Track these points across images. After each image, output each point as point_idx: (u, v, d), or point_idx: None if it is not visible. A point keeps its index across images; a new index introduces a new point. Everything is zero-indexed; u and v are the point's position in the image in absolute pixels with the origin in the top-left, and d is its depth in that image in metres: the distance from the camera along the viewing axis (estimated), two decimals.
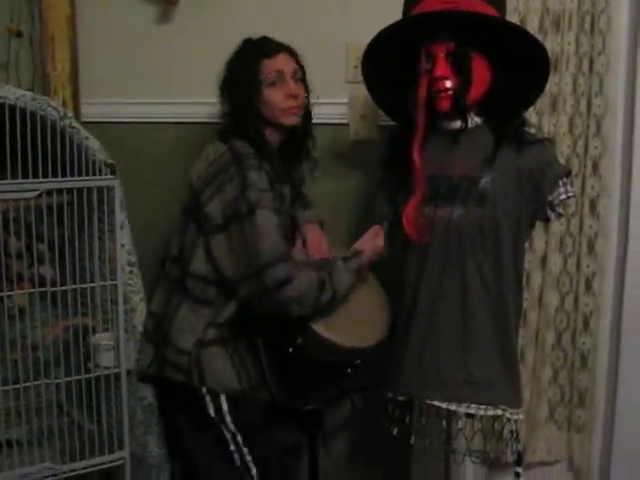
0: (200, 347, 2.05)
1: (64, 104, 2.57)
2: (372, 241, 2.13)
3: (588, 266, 2.40)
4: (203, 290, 2.06)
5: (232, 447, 2.08)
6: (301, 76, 2.13)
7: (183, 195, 2.12)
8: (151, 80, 2.72)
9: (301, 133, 2.18)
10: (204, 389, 2.05)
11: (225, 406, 2.05)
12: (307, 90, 2.15)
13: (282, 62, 2.08)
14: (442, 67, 1.90)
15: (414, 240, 1.98)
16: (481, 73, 1.93)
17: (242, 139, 2.04)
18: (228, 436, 2.07)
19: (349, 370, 2.11)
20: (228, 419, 2.06)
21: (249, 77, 2.06)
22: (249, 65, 2.07)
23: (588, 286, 2.41)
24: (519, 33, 1.90)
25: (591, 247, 2.39)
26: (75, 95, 2.65)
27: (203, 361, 2.05)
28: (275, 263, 1.91)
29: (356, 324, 2.11)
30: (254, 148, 2.03)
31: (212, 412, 2.06)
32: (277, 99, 2.06)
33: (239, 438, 2.07)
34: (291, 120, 2.10)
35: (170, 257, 2.14)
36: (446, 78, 1.90)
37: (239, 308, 2.04)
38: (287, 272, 1.92)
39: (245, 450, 2.08)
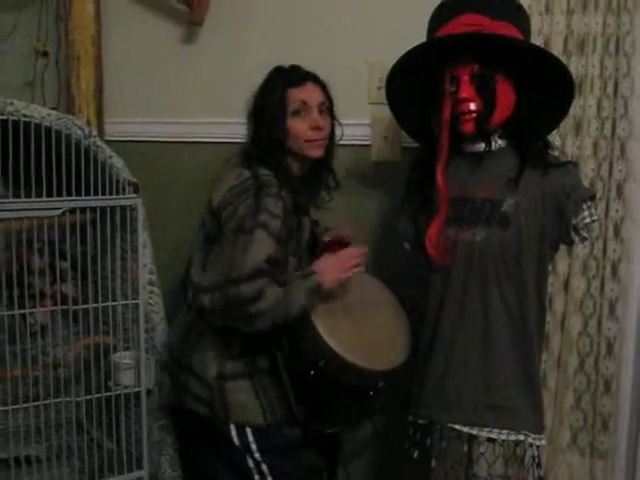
0: (222, 380, 2.02)
1: (88, 123, 2.60)
2: (335, 274, 2.03)
3: (612, 290, 2.37)
4: None
5: (257, 477, 2.04)
6: (328, 108, 2.11)
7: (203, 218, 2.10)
8: (174, 99, 2.74)
9: (323, 165, 2.16)
10: (231, 422, 2.02)
11: (251, 436, 2.02)
12: (333, 122, 2.13)
13: (308, 92, 2.07)
14: (466, 89, 1.90)
15: (436, 262, 1.97)
16: (505, 95, 1.92)
17: (265, 166, 2.02)
18: (252, 465, 2.03)
19: (371, 393, 2.09)
20: (254, 447, 2.02)
21: (275, 105, 2.04)
22: (275, 93, 2.05)
23: (612, 310, 2.38)
24: (543, 55, 1.90)
25: (615, 271, 2.36)
26: (99, 114, 2.68)
27: (227, 395, 2.01)
28: (257, 276, 1.86)
29: (378, 346, 2.09)
30: (277, 177, 2.01)
31: (237, 441, 2.02)
32: (301, 129, 2.05)
33: (264, 467, 2.03)
34: (315, 152, 2.09)
35: (190, 282, 2.07)
36: (470, 100, 1.90)
37: (249, 339, 2.00)
38: (263, 286, 1.87)
39: (269, 478, 2.04)
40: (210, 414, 2.03)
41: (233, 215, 1.94)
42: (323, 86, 2.11)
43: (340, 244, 2.22)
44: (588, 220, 1.93)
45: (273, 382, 2.05)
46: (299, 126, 2.05)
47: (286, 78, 2.07)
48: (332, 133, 2.14)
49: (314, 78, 2.09)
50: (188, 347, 2.07)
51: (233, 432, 2.02)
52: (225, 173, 2.07)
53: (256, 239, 1.89)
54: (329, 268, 2.01)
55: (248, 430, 2.02)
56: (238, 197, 1.96)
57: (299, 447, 2.15)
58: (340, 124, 2.15)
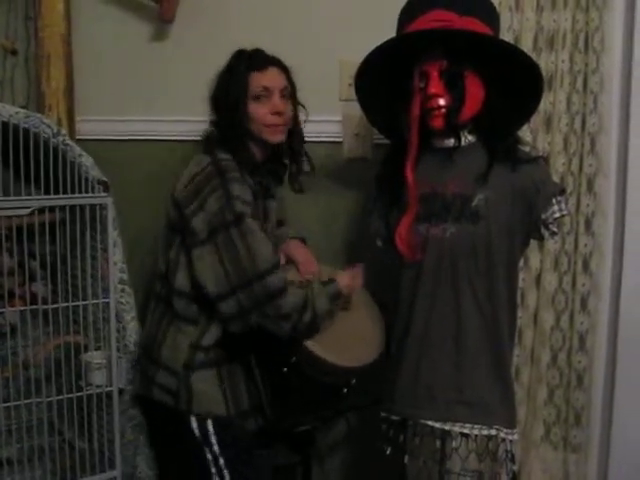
0: (189, 370, 2.02)
1: (59, 121, 2.58)
2: (350, 279, 2.11)
3: (583, 284, 2.38)
4: (187, 308, 2.03)
5: (213, 470, 2.04)
6: (290, 93, 2.12)
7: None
8: (146, 97, 2.73)
9: (287, 151, 2.16)
10: (192, 414, 2.02)
11: (211, 428, 2.02)
12: (296, 108, 2.14)
13: (271, 77, 2.07)
14: (435, 85, 1.90)
15: (407, 258, 1.97)
16: (474, 91, 1.93)
17: (225, 151, 2.02)
18: (210, 458, 2.03)
19: (345, 390, 2.09)
20: (213, 440, 2.02)
21: (236, 89, 2.04)
22: (237, 77, 2.05)
23: (583, 304, 2.39)
24: (512, 51, 1.90)
25: (586, 265, 2.37)
26: (70, 112, 2.65)
27: (192, 384, 2.01)
28: (272, 271, 1.89)
29: (351, 343, 2.10)
30: (237, 161, 2.01)
31: (197, 433, 2.02)
32: (261, 114, 2.05)
33: (221, 461, 2.03)
34: (275, 137, 2.09)
35: (158, 275, 2.11)
36: (439, 96, 1.90)
37: (225, 330, 2.01)
38: (283, 282, 1.90)
39: (226, 472, 2.04)
40: (174, 404, 2.02)
41: (202, 208, 1.93)
42: (286, 70, 2.11)
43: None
44: (557, 215, 1.94)
45: (241, 372, 2.05)
46: (259, 111, 2.05)
47: (248, 62, 2.07)
48: (296, 117, 2.14)
49: (277, 62, 2.10)
50: (157, 339, 2.08)
51: (194, 424, 2.02)
52: (185, 167, 2.07)
53: (250, 232, 1.90)
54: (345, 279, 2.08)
55: (209, 422, 2.02)
56: (203, 187, 1.96)
57: (262, 444, 2.15)
58: (304, 107, 2.16)
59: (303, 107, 2.17)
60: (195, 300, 2.01)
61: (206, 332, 2.02)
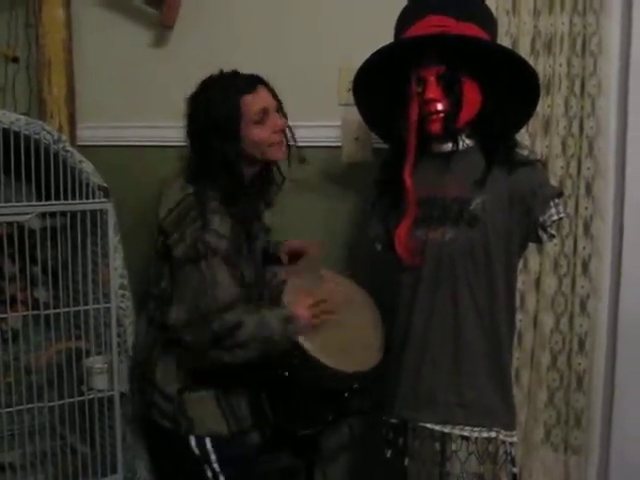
0: (183, 394, 2.01)
1: (60, 128, 2.59)
2: (303, 309, 2.03)
3: (583, 287, 2.39)
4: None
5: None
6: (280, 107, 2.08)
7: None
8: (147, 104, 2.74)
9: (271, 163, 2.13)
10: (190, 435, 2.01)
11: (210, 446, 2.01)
12: (286, 119, 2.10)
13: (264, 97, 2.01)
14: (433, 90, 1.91)
15: (406, 262, 1.98)
16: (472, 95, 1.94)
17: (211, 180, 1.96)
18: (210, 475, 2.02)
19: (346, 394, 2.10)
20: (213, 458, 2.01)
21: (230, 115, 1.96)
22: (228, 102, 1.96)
23: (583, 307, 2.40)
24: (509, 56, 1.91)
25: (585, 268, 2.38)
26: (71, 119, 2.67)
27: (188, 408, 2.01)
28: (229, 308, 1.87)
29: (353, 348, 2.10)
30: (223, 190, 1.96)
31: (197, 451, 2.01)
32: (265, 136, 2.00)
33: (222, 478, 2.02)
34: (279, 154, 2.06)
35: (153, 296, 2.07)
36: (437, 101, 1.91)
37: (196, 362, 1.99)
38: (238, 317, 1.88)
39: None
40: (173, 428, 2.02)
41: (182, 239, 1.92)
42: (270, 87, 2.06)
43: (293, 256, 2.26)
44: (555, 217, 1.94)
45: (238, 388, 2.05)
46: (262, 133, 2.00)
47: (236, 85, 1.99)
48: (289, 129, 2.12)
49: (262, 80, 2.04)
50: (151, 361, 2.06)
51: (193, 442, 2.01)
52: (168, 187, 2.05)
53: (214, 269, 1.88)
54: (300, 302, 2.02)
55: (207, 440, 2.01)
56: (184, 216, 1.93)
57: (262, 458, 2.14)
58: (286, 117, 2.10)
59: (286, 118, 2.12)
60: None
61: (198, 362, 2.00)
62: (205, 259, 1.88)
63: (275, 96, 2.06)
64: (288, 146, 2.10)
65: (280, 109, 2.08)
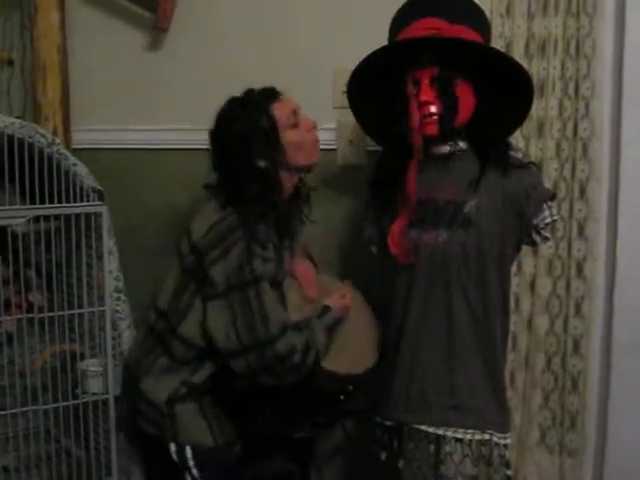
0: (172, 404, 1.99)
1: (55, 131, 2.58)
2: (340, 300, 2.09)
3: (577, 289, 2.40)
4: (186, 352, 1.99)
5: None
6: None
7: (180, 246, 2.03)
8: (141, 106, 2.74)
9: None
10: (170, 441, 2.00)
11: (189, 454, 2.00)
12: None
13: (289, 101, 2.01)
14: (427, 92, 1.91)
15: (400, 260, 1.98)
16: (466, 98, 1.94)
17: (252, 202, 1.93)
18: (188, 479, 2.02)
19: (341, 397, 2.10)
20: (191, 464, 2.00)
21: (265, 126, 1.93)
22: (261, 115, 1.94)
23: (577, 309, 2.41)
24: (502, 58, 1.91)
25: (580, 270, 2.39)
26: (66, 122, 2.66)
27: (176, 418, 1.99)
28: (281, 336, 1.87)
29: (348, 350, 2.10)
30: (264, 211, 1.94)
31: (175, 458, 2.01)
32: (303, 137, 1.99)
33: None
34: (316, 156, 2.05)
35: (157, 309, 2.05)
36: (431, 103, 1.91)
37: (216, 370, 1.99)
38: (291, 345, 1.88)
39: None
40: (157, 434, 2.01)
41: (224, 260, 1.88)
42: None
43: None
44: (549, 220, 1.95)
45: (225, 401, 2.04)
46: (299, 134, 1.99)
47: (260, 98, 1.98)
48: None
49: (275, 89, 2.02)
50: (141, 369, 2.05)
51: (172, 448, 2.00)
52: (202, 205, 2.01)
53: (265, 295, 1.88)
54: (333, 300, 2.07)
55: (187, 448, 2.00)
56: (225, 236, 1.90)
57: (246, 467, 2.14)
58: None
59: None
60: (198, 347, 1.98)
61: (198, 371, 2.00)
62: (254, 286, 1.87)
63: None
64: None
65: None
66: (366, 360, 2.11)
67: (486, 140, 1.99)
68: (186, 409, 2.00)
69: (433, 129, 1.93)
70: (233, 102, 1.99)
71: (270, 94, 1.99)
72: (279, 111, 1.97)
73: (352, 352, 2.11)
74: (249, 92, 2.00)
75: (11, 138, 2.01)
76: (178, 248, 2.02)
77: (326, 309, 2.03)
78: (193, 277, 1.96)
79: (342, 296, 2.10)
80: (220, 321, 1.90)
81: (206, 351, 1.97)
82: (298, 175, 2.06)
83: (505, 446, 1.99)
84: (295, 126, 1.99)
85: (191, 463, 2.00)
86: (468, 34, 1.92)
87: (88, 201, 2.11)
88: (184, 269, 1.99)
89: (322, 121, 2.44)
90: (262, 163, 1.94)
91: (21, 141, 2.02)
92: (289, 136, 1.97)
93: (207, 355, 1.98)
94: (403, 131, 1.97)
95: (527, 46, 2.34)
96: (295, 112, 2.00)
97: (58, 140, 2.16)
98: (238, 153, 1.95)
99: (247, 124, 1.94)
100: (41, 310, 2.14)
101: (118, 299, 2.20)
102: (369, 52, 1.94)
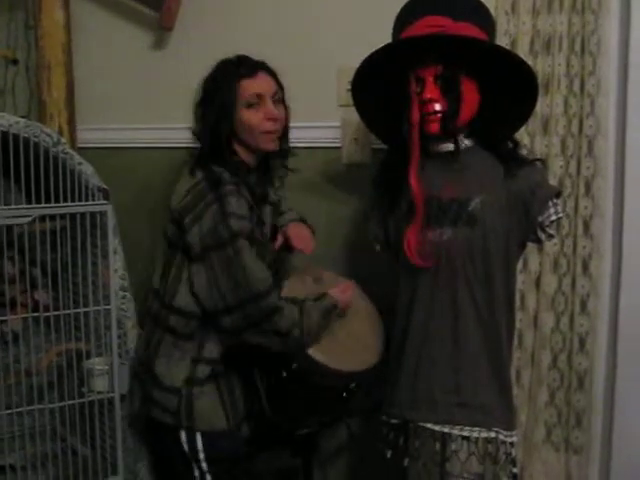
0: (191, 385, 2.00)
1: (60, 130, 2.59)
2: (341, 292, 2.10)
3: (583, 286, 2.39)
4: (186, 325, 2.01)
5: None
6: (281, 97, 2.08)
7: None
8: (146, 105, 2.74)
9: (276, 155, 2.14)
10: (182, 428, 2.01)
11: (200, 444, 2.01)
12: (287, 111, 2.10)
13: (261, 83, 2.03)
14: (431, 90, 1.91)
15: (418, 266, 1.97)
16: (470, 95, 1.93)
17: (217, 163, 1.99)
18: (197, 474, 2.03)
19: (344, 394, 2.10)
20: (201, 457, 2.02)
21: (226, 97, 1.99)
22: (227, 85, 2.00)
23: (583, 306, 2.40)
24: (506, 55, 1.91)
25: (585, 267, 2.38)
26: (71, 121, 2.67)
27: (194, 402, 2.00)
28: (267, 293, 1.90)
29: (351, 348, 2.10)
30: (231, 171, 1.98)
31: (186, 448, 2.02)
32: (256, 121, 2.01)
33: (208, 477, 2.03)
34: (270, 145, 2.06)
35: (152, 290, 2.08)
36: (435, 101, 1.91)
37: (229, 341, 2.01)
38: (276, 302, 1.91)
39: None
40: (174, 423, 2.02)
41: (199, 222, 1.92)
42: (274, 74, 2.07)
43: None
44: (554, 217, 1.94)
45: (237, 380, 2.06)
46: (253, 118, 2.01)
47: (236, 69, 2.02)
48: (286, 120, 2.11)
49: (265, 67, 2.06)
50: (150, 355, 2.06)
51: (183, 438, 2.01)
52: (177, 182, 2.05)
53: (244, 253, 1.90)
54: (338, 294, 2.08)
55: (198, 438, 2.01)
56: (198, 201, 1.93)
57: (259, 457, 2.17)
58: (288, 108, 2.11)
59: (289, 109, 2.13)
60: (194, 317, 2.00)
61: (205, 345, 2.02)
62: (231, 244, 1.89)
63: (279, 85, 2.07)
64: (281, 141, 2.10)
65: (282, 100, 2.08)
66: (370, 358, 2.11)
67: (490, 137, 1.98)
68: (205, 391, 2.01)
69: (436, 127, 1.93)
70: (218, 65, 2.06)
71: (249, 68, 2.03)
72: (244, 88, 2.00)
73: (356, 350, 2.11)
74: (236, 59, 2.06)
75: (16, 137, 2.01)
76: (164, 229, 2.06)
77: (324, 295, 2.05)
78: (177, 247, 2.00)
79: (343, 290, 2.11)
80: (203, 282, 1.93)
81: (204, 319, 1.99)
82: (255, 153, 2.08)
83: (511, 444, 1.98)
84: (251, 107, 2.01)
85: (201, 456, 2.01)
86: (472, 31, 1.91)
87: (93, 200, 2.12)
88: (169, 242, 2.03)
89: (327, 119, 2.47)
90: (215, 128, 2.00)
91: (26, 140, 2.03)
92: (241, 114, 2.01)
93: (209, 323, 1.99)
94: (403, 130, 1.97)
95: (532, 43, 2.33)
96: (260, 95, 2.01)
97: (63, 139, 2.17)
98: (199, 114, 2.05)
99: (215, 89, 2.02)
100: (47, 309, 2.14)
101: (124, 297, 2.21)
102: (373, 50, 1.94)
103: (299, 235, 2.20)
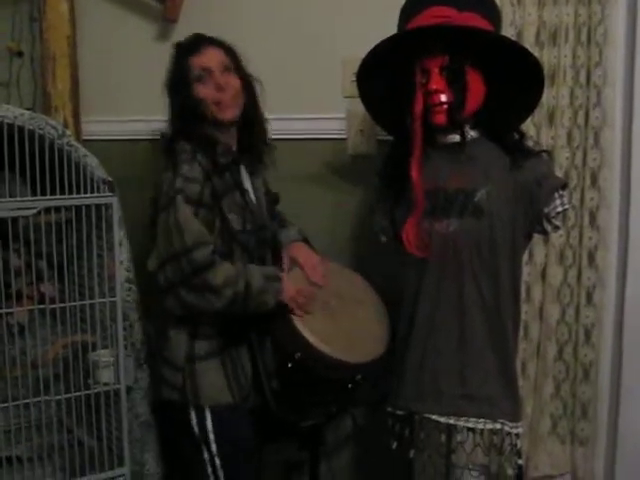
0: (192, 362, 2.04)
1: (65, 122, 2.58)
2: (312, 270, 2.16)
3: (589, 278, 2.39)
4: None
5: (209, 469, 2.07)
6: (233, 67, 2.12)
7: None
8: (151, 98, 2.71)
9: (250, 123, 2.17)
10: (191, 407, 2.04)
11: (210, 426, 2.04)
12: (247, 80, 2.14)
13: (208, 57, 2.09)
14: (436, 81, 1.91)
15: (415, 255, 1.97)
16: (476, 86, 1.93)
17: (182, 139, 2.05)
18: (206, 457, 2.05)
19: (350, 386, 2.10)
20: (211, 438, 2.04)
21: (178, 76, 2.09)
22: (178, 65, 2.11)
23: (589, 298, 2.40)
24: (512, 46, 1.90)
25: (591, 259, 2.38)
26: (76, 113, 2.66)
27: (197, 377, 2.04)
28: (197, 247, 1.92)
29: (356, 339, 2.11)
30: (195, 143, 2.03)
31: (196, 430, 2.05)
32: (207, 93, 2.07)
33: (217, 462, 2.05)
34: (224, 114, 2.09)
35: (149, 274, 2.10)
36: (441, 92, 1.91)
37: (223, 314, 2.02)
38: (209, 257, 1.93)
39: (221, 473, 2.06)
40: (181, 399, 2.05)
41: (159, 193, 2.00)
42: (224, 46, 2.13)
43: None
44: (560, 209, 1.94)
45: (242, 355, 2.08)
46: (204, 91, 2.07)
47: (186, 48, 2.12)
48: (250, 90, 2.15)
49: (214, 41, 2.12)
50: (159, 336, 2.11)
51: (194, 420, 2.04)
52: None
53: (180, 210, 1.94)
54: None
55: (208, 419, 2.04)
56: (162, 176, 2.02)
57: (268, 440, 2.19)
58: (255, 79, 2.16)
59: (255, 78, 2.17)
60: None
61: (199, 321, 2.04)
62: (173, 205, 1.95)
63: (232, 57, 2.13)
64: (250, 107, 2.14)
65: (237, 70, 2.13)
66: (375, 350, 2.11)
67: (496, 128, 1.98)
68: (207, 366, 2.04)
69: (442, 118, 1.93)
70: (174, 47, 2.17)
71: (193, 45, 2.12)
72: (192, 64, 2.09)
73: (361, 342, 2.12)
74: (187, 39, 2.15)
75: (21, 130, 2.01)
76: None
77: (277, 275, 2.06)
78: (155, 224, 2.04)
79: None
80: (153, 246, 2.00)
81: None
82: (221, 126, 2.10)
83: (517, 435, 1.99)
84: (199, 80, 2.08)
85: (211, 437, 2.04)
86: (478, 22, 1.91)
87: (99, 192, 2.11)
88: (151, 222, 2.07)
89: (332, 110, 2.46)
90: (177, 108, 2.12)
91: (31, 133, 2.02)
92: (195, 88, 2.08)
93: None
94: (406, 121, 1.97)
95: (538, 34, 2.33)
96: (206, 69, 2.07)
97: (68, 132, 2.16)
98: (168, 97, 2.15)
99: (170, 70, 2.15)
100: (53, 301, 2.14)
101: (129, 289, 2.20)
102: (378, 41, 1.93)
103: (310, 264, 2.21)
